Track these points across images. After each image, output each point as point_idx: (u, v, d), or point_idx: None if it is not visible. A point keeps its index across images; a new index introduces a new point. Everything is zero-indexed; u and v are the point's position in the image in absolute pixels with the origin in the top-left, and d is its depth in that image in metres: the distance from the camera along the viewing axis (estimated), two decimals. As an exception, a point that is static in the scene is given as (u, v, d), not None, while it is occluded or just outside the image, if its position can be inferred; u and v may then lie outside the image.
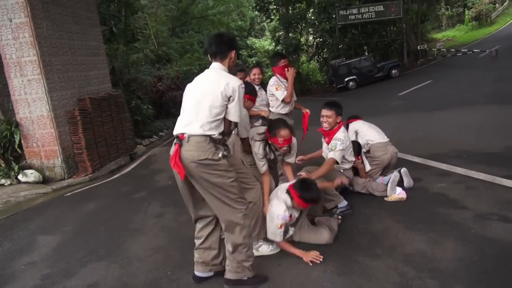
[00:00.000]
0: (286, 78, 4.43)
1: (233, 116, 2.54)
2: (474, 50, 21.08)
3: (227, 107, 2.52)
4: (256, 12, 30.09)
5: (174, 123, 2.81)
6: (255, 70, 4.53)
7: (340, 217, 3.56)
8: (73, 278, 3.24)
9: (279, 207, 3.00)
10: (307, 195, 2.94)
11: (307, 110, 4.41)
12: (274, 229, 3.00)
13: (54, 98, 7.20)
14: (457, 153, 5.23)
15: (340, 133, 3.85)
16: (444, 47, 24.80)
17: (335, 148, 3.73)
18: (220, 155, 2.47)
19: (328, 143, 3.92)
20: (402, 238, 3.11)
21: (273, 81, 4.48)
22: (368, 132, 4.51)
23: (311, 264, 2.88)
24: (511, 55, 17.36)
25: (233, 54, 2.66)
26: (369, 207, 3.86)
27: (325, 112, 3.87)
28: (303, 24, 25.67)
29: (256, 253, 2.99)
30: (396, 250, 2.93)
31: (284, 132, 3.14)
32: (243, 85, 2.59)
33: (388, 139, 4.41)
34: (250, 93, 3.29)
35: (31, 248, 4.11)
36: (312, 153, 4.41)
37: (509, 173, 4.12)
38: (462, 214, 3.38)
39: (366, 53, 22.06)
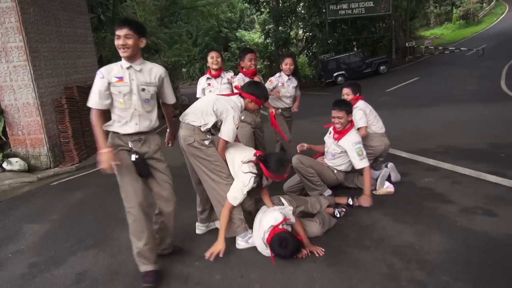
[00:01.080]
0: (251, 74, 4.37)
1: None
2: (461, 49, 21.40)
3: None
4: (246, 4, 29.86)
5: (162, 114, 2.96)
6: (288, 60, 4.50)
7: (344, 209, 3.56)
8: (61, 267, 3.22)
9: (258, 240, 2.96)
10: (282, 252, 2.79)
11: (273, 110, 4.44)
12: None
13: (40, 85, 7.07)
14: (444, 149, 5.34)
15: (356, 136, 3.82)
16: (432, 44, 25.12)
17: (362, 154, 3.74)
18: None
19: (337, 139, 3.88)
20: (390, 230, 3.17)
21: (239, 76, 4.40)
22: (371, 119, 4.34)
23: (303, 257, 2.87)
24: (497, 54, 17.70)
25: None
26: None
27: (336, 113, 3.81)
28: (293, 18, 25.60)
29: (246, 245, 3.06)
30: (384, 242, 2.99)
31: (288, 169, 3.05)
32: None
33: (384, 129, 4.39)
34: (257, 95, 3.12)
35: (18, 236, 4.06)
36: (315, 146, 4.27)
37: (493, 169, 4.23)
38: (448, 207, 3.46)
39: (355, 49, 22.18)
